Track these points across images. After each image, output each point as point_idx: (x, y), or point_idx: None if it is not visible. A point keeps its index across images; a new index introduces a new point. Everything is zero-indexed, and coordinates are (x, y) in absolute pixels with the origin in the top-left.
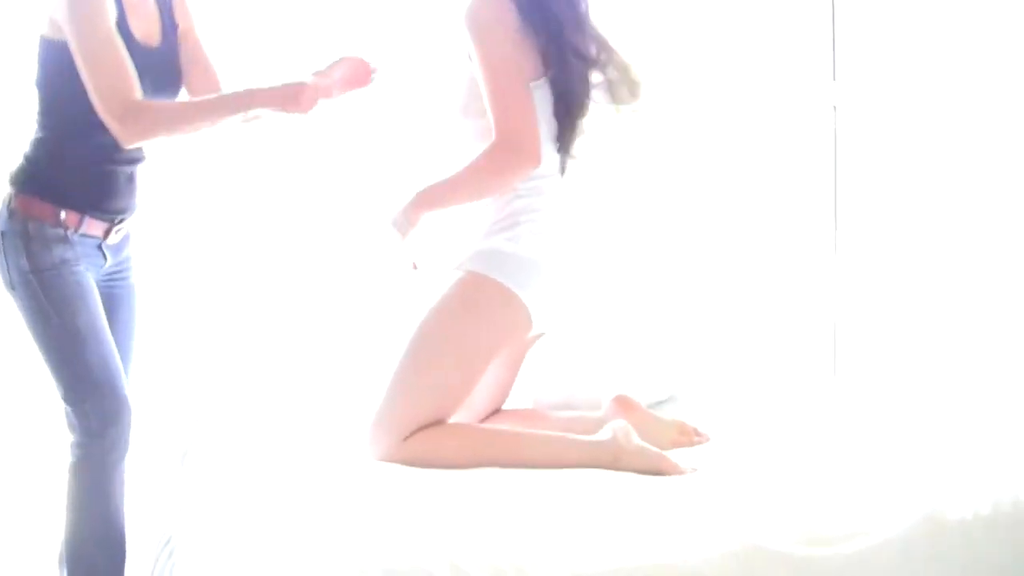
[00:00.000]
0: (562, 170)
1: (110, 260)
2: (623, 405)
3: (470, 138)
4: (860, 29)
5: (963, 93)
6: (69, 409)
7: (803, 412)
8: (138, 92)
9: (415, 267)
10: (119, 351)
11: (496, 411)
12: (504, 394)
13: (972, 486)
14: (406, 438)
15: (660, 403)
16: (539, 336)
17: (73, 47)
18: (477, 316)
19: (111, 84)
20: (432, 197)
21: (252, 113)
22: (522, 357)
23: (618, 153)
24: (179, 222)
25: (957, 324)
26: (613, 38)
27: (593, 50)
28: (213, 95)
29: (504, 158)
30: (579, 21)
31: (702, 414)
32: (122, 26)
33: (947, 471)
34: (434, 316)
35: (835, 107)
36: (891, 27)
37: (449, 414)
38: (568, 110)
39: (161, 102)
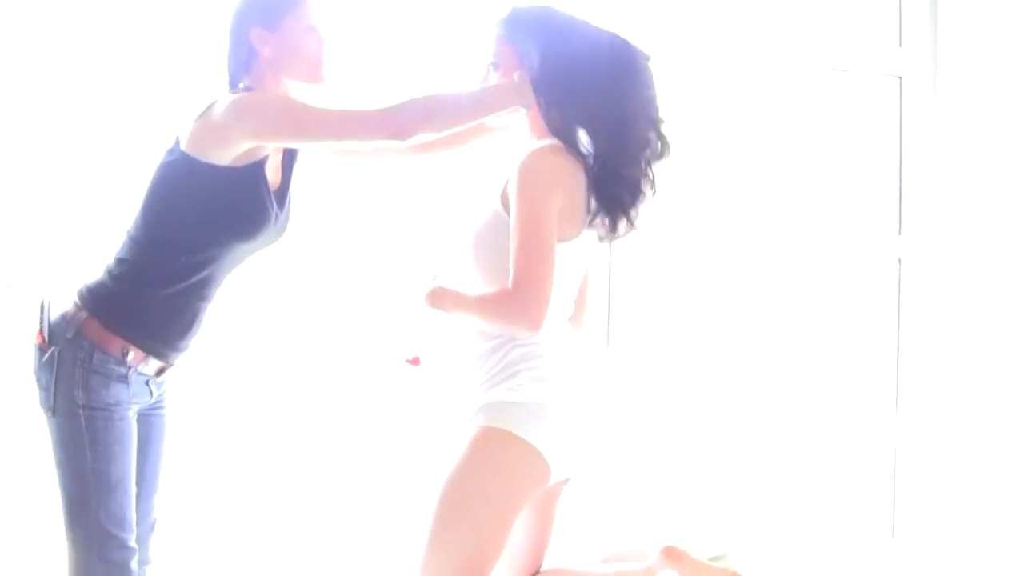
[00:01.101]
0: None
1: (155, 395)
2: (672, 555)
3: (469, 264)
4: (926, 184)
5: None
6: (72, 548)
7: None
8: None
9: (416, 361)
10: (145, 483)
11: (536, 572)
12: (543, 546)
13: None
14: None
15: (713, 559)
16: (566, 481)
17: (294, 134)
18: (493, 469)
19: (346, 114)
20: (447, 298)
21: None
22: (553, 506)
23: (674, 300)
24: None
25: None
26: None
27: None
28: (469, 90)
29: (508, 310)
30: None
31: (756, 571)
32: (260, 168)
33: None
34: (453, 476)
35: (900, 260)
36: (957, 183)
37: (487, 570)
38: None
39: (415, 96)
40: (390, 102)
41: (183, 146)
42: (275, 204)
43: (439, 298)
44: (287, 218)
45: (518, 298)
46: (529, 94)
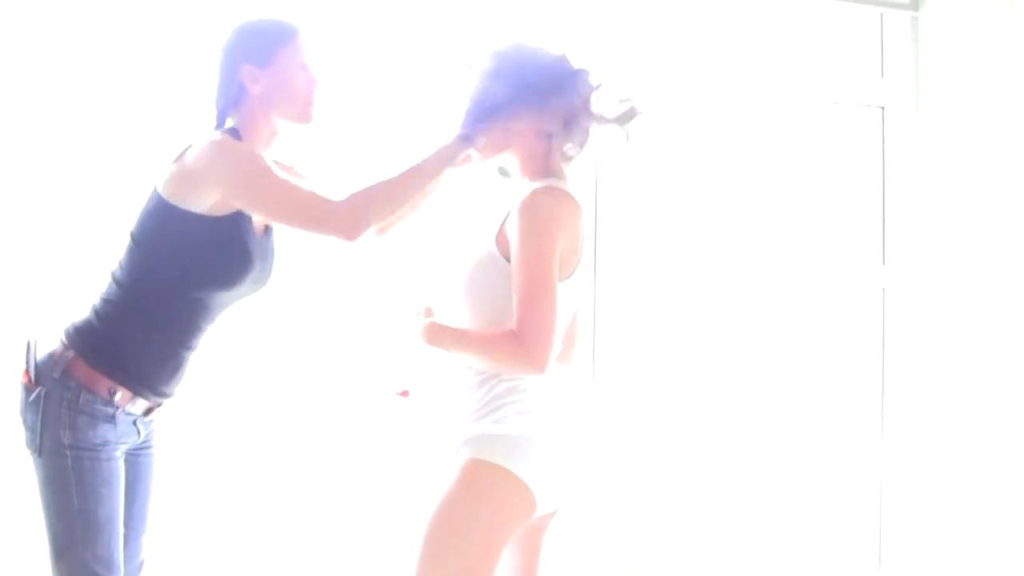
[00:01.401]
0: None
1: (142, 435)
2: None
3: (461, 303)
4: (909, 213)
5: (1009, 280)
6: None
7: None
8: (331, 197)
9: (406, 394)
10: (133, 523)
11: None
12: None
13: None
14: None
15: None
16: (552, 515)
17: (247, 201)
18: (480, 501)
19: (300, 201)
20: (446, 336)
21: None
22: (540, 541)
23: (660, 333)
24: None
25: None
26: None
27: None
28: (408, 165)
29: (514, 353)
30: None
31: None
32: (242, 215)
33: None
34: (439, 509)
35: (884, 290)
36: (940, 213)
37: None
38: None
39: (362, 188)
40: (340, 196)
41: (160, 191)
42: (259, 250)
43: (437, 335)
44: (272, 263)
45: (524, 342)
46: (459, 144)
